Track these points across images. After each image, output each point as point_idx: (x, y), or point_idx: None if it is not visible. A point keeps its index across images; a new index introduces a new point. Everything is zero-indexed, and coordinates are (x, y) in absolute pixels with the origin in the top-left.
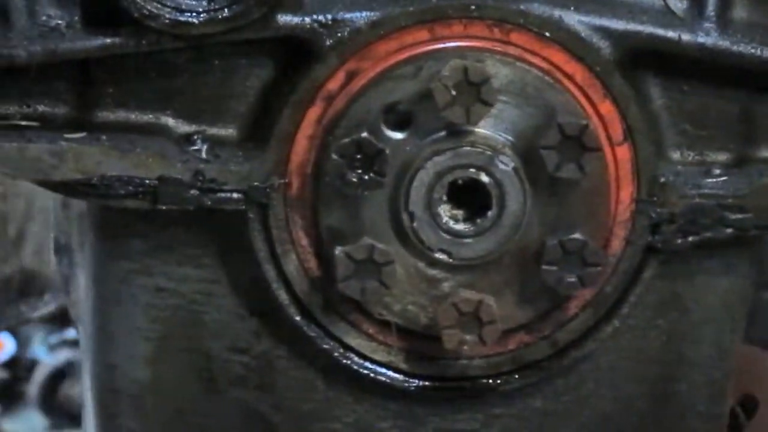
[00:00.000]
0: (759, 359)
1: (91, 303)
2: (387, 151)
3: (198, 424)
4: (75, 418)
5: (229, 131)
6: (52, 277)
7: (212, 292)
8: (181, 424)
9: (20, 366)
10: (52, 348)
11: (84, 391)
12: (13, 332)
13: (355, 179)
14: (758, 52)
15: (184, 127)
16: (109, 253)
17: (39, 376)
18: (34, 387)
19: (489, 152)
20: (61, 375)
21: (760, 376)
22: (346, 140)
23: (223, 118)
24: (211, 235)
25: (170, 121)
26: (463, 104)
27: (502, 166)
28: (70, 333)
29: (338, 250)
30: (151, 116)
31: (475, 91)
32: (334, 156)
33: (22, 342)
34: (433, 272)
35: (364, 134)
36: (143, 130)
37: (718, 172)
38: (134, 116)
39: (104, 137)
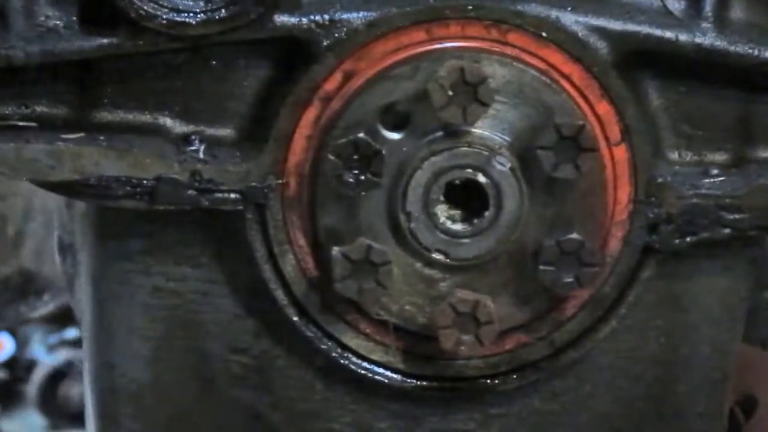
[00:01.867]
0: (759, 359)
1: (91, 303)
2: (384, 152)
3: (197, 423)
4: (74, 419)
5: (226, 131)
6: (51, 277)
7: (210, 292)
8: (181, 424)
9: (19, 366)
10: (51, 348)
11: (85, 391)
12: (12, 332)
13: (351, 180)
14: (756, 52)
15: (181, 128)
16: (108, 253)
17: (38, 376)
18: (33, 387)
19: (486, 152)
20: (60, 375)
21: (760, 376)
22: (343, 140)
23: (221, 118)
24: (209, 235)
25: (168, 122)
26: (460, 105)
27: (499, 167)
28: (69, 333)
29: (335, 251)
30: (148, 116)
31: (471, 92)
32: (331, 156)
33: (21, 342)
34: (430, 272)
35: (361, 135)
36: (141, 131)
37: (715, 172)
38: (132, 116)
39: (102, 138)
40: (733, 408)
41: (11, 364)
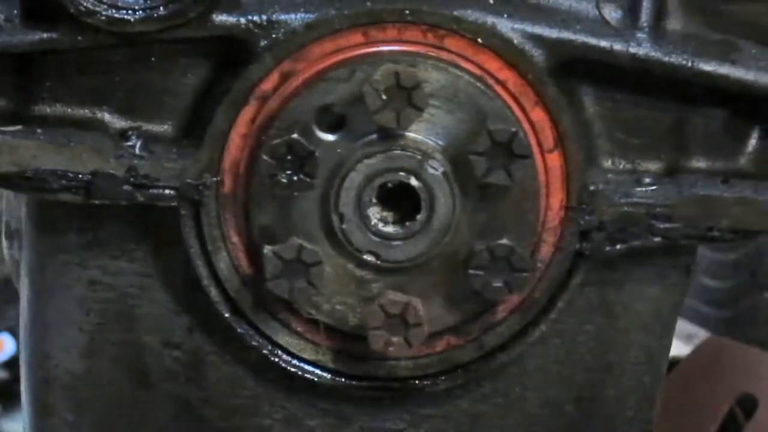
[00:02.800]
0: (758, 359)
1: (28, 293)
2: (317, 153)
3: (132, 416)
4: None
5: (164, 128)
6: None
7: (146, 287)
8: (115, 416)
9: (20, 366)
10: None
11: (21, 381)
12: (13, 332)
13: (285, 180)
14: (690, 63)
15: (119, 123)
16: (45, 245)
17: None
18: None
19: (419, 156)
20: None
21: (760, 376)
22: (278, 141)
23: (159, 114)
24: (145, 231)
25: (106, 117)
26: (394, 108)
27: (431, 171)
28: None
29: (267, 249)
30: (87, 111)
31: (406, 96)
32: (265, 156)
33: None
34: (361, 273)
35: (295, 135)
36: (80, 125)
37: (648, 181)
38: (71, 111)
39: (40, 131)
40: (733, 408)
41: (12, 364)
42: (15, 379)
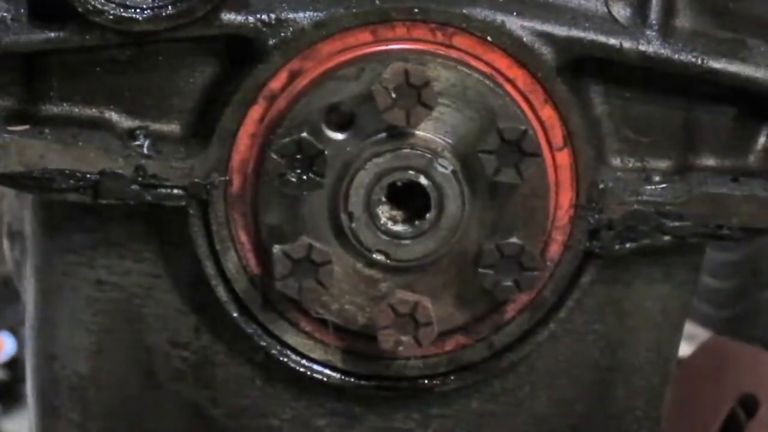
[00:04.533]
0: (759, 359)
1: (34, 294)
2: (326, 152)
3: (138, 416)
4: None
5: (172, 127)
6: None
7: (153, 287)
8: (122, 416)
9: (20, 366)
10: None
11: (27, 382)
12: (14, 332)
13: (294, 179)
14: (699, 60)
15: (127, 122)
16: (53, 245)
17: None
18: None
19: (428, 155)
20: None
21: (760, 376)
22: (287, 140)
23: (167, 114)
24: (153, 230)
25: (114, 116)
26: (404, 107)
27: (441, 169)
28: None
29: (276, 249)
30: (95, 111)
31: (415, 94)
32: (274, 155)
33: (22, 342)
34: (371, 273)
35: (304, 134)
36: (87, 125)
37: (658, 179)
38: (78, 110)
39: (47, 131)
40: (734, 408)
41: (12, 364)
42: (15, 379)
